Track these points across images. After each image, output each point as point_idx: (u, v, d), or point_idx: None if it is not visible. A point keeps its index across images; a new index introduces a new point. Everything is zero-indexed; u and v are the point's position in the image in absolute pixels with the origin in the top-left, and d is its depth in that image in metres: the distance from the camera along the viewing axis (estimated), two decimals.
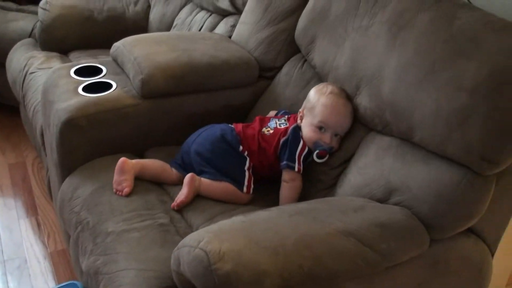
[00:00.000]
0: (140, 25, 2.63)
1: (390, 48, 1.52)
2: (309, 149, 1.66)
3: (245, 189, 1.64)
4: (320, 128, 1.64)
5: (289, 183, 1.63)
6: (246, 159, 1.67)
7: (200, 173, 1.64)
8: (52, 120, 1.78)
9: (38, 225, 2.30)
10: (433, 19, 1.46)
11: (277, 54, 1.94)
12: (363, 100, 1.60)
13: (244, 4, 2.17)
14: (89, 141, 1.75)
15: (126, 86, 1.83)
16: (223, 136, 1.69)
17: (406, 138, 1.49)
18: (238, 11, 2.23)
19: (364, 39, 1.62)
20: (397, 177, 1.45)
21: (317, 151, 1.64)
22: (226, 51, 1.95)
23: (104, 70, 1.92)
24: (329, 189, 1.65)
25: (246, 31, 2.02)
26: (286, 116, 1.76)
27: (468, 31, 1.39)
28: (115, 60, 1.98)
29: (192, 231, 1.43)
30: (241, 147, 1.68)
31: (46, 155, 2.06)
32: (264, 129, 1.72)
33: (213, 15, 2.36)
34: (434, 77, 1.39)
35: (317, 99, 1.65)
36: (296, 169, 1.63)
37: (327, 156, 1.65)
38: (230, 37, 2.16)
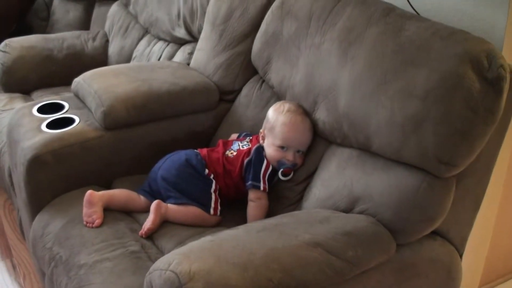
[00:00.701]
0: (99, 60, 2.67)
1: (342, 63, 1.58)
2: (273, 167, 1.69)
3: (212, 211, 1.66)
4: (282, 147, 1.68)
5: (255, 202, 1.67)
6: (212, 181, 1.70)
7: (166, 198, 1.67)
8: (18, 159, 1.78)
9: (13, 267, 2.28)
10: (382, 32, 1.52)
11: (235, 77, 1.99)
12: (321, 115, 1.65)
13: (199, 32, 2.22)
14: (56, 177, 1.76)
15: (88, 120, 1.86)
16: (187, 161, 1.72)
17: (364, 148, 1.53)
18: (194, 39, 2.28)
19: (317, 56, 1.67)
20: (359, 186, 1.50)
21: (281, 169, 1.67)
22: (185, 78, 1.99)
23: (66, 105, 1.94)
24: (295, 204, 1.69)
25: (204, 57, 2.07)
26: (248, 138, 1.80)
27: (417, 40, 1.45)
28: (76, 95, 2.00)
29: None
30: (206, 171, 1.71)
31: (15, 195, 2.06)
32: (227, 152, 1.76)
33: (170, 44, 2.41)
34: (386, 87, 1.45)
35: (276, 119, 1.70)
36: (262, 188, 1.66)
37: (292, 173, 1.69)
38: (188, 64, 2.20)
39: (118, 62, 2.60)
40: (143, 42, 2.55)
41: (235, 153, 1.74)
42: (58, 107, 1.95)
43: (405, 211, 1.41)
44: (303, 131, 1.68)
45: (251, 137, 1.80)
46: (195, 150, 1.78)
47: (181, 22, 2.30)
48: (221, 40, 2.02)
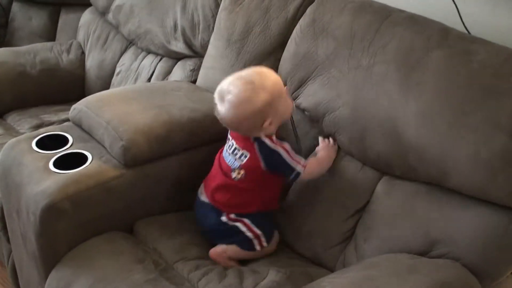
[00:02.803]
0: (76, 74, 2.40)
1: (404, 90, 1.45)
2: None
3: (258, 248, 1.56)
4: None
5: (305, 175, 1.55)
6: (236, 225, 1.59)
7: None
8: (25, 206, 1.54)
9: None
10: (448, 56, 1.41)
11: None
12: (376, 144, 1.51)
13: (203, 47, 2.03)
14: (73, 225, 1.53)
15: (103, 155, 1.63)
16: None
17: (436, 183, 1.42)
18: (196, 54, 2.08)
19: (366, 79, 1.53)
20: (438, 228, 1.38)
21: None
22: (203, 102, 1.79)
23: (70, 138, 1.70)
24: (345, 242, 1.56)
25: (219, 77, 1.86)
26: (231, 143, 1.59)
27: (491, 66, 1.35)
28: (78, 125, 1.76)
29: None
30: (223, 218, 1.59)
31: (7, 241, 1.80)
32: (233, 175, 1.56)
33: (164, 59, 2.19)
34: (466, 119, 1.34)
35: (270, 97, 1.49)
36: (300, 169, 1.53)
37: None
38: (194, 82, 2.01)
39: (98, 77, 2.35)
40: (128, 55, 2.31)
41: (242, 172, 1.56)
42: (59, 140, 1.71)
43: (493, 254, 1.32)
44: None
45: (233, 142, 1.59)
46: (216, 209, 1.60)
47: (178, 35, 2.09)
48: (239, 58, 1.84)
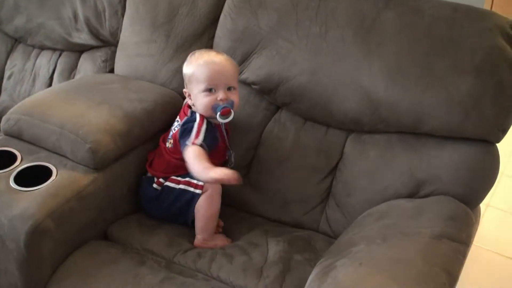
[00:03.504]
0: None
1: (365, 51, 1.55)
2: (209, 122, 1.54)
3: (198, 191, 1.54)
4: (209, 90, 1.52)
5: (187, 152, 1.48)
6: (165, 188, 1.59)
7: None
8: None
9: None
10: (399, 15, 1.54)
11: None
12: (341, 105, 1.59)
13: (112, 34, 1.92)
14: (57, 244, 1.41)
15: (65, 163, 1.50)
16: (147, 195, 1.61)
17: (408, 131, 1.55)
18: (105, 43, 1.96)
19: (322, 45, 1.60)
20: (421, 170, 1.52)
21: (218, 112, 1.50)
22: (145, 92, 1.72)
23: (16, 152, 1.53)
24: (323, 203, 1.65)
25: (149, 63, 1.81)
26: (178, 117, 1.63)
27: (442, 19, 1.50)
28: (16, 137, 1.58)
29: None
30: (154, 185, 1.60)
31: None
32: (167, 144, 1.60)
33: (64, 53, 2.02)
34: (432, 70, 1.48)
35: (193, 66, 1.55)
36: (191, 142, 1.48)
37: (232, 113, 1.52)
38: (110, 72, 1.91)
39: None
40: (18, 55, 2.08)
41: (172, 140, 1.59)
42: (3, 157, 1.53)
43: (473, 183, 1.50)
44: (225, 63, 1.56)
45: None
46: (148, 175, 1.62)
47: (81, 25, 1.95)
48: (169, 41, 1.79)
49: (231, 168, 1.47)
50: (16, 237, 1.34)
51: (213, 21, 1.78)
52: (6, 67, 2.10)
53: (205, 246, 1.54)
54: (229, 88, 1.54)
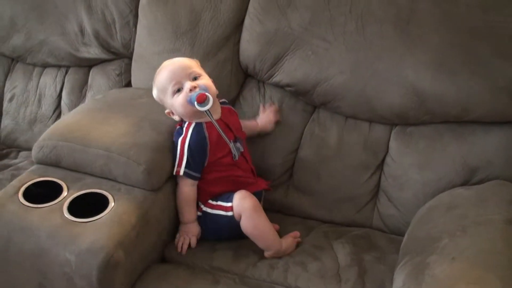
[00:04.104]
0: None
1: (408, 44, 1.54)
2: (198, 124, 1.50)
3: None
4: (178, 90, 1.48)
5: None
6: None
7: None
8: (61, 274, 1.28)
9: None
10: (435, 5, 1.53)
11: (228, 87, 1.72)
12: (386, 100, 1.58)
13: (125, 46, 1.84)
14: (126, 274, 1.34)
15: (118, 188, 1.41)
16: None
17: (454, 120, 1.56)
18: (117, 55, 1.87)
19: (360, 42, 1.58)
20: (474, 157, 1.53)
21: (194, 102, 1.43)
22: None
23: (60, 182, 1.43)
24: (372, 201, 1.64)
25: None
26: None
27: (476, 7, 1.50)
28: (54, 164, 1.48)
29: None
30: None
31: None
32: None
33: (71, 69, 1.91)
34: (475, 56, 1.50)
35: (155, 82, 1.52)
36: (174, 172, 1.49)
37: (209, 97, 1.44)
38: (127, 86, 1.83)
39: None
40: (16, 75, 1.95)
41: None
42: (44, 188, 1.42)
43: None
44: (178, 60, 1.54)
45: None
46: None
47: (89, 39, 1.85)
48: (195, 49, 1.72)
49: (234, 160, 1.51)
50: (87, 273, 1.26)
51: (238, 25, 1.72)
52: (6, 89, 1.96)
53: (280, 256, 1.48)
54: (195, 78, 1.49)
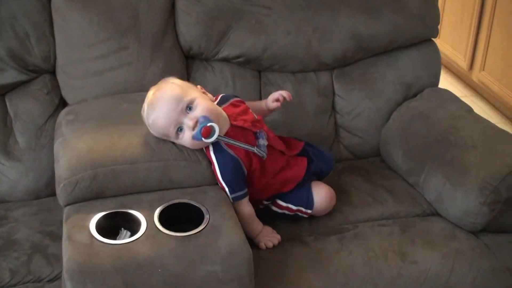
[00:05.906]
0: None
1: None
2: (216, 143, 1.40)
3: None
4: (179, 130, 1.38)
5: None
6: None
7: None
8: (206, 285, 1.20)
9: None
10: None
11: (181, 74, 1.69)
12: (330, 49, 1.79)
13: (46, 60, 1.65)
14: None
15: (192, 193, 1.35)
16: None
17: (382, 51, 1.87)
18: (37, 73, 1.64)
19: (300, 1, 1.76)
20: (406, 76, 1.87)
21: (201, 138, 1.35)
22: None
23: (137, 214, 1.27)
24: (336, 138, 1.86)
25: (129, 73, 1.64)
26: None
27: None
28: (96, 196, 1.30)
29: None
30: None
31: None
32: None
33: None
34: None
35: (151, 128, 1.40)
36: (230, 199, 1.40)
37: (214, 128, 1.35)
38: (62, 101, 1.64)
39: None
40: None
41: None
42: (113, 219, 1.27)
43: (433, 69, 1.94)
44: (164, 97, 1.37)
45: None
46: None
47: (2, 63, 1.57)
48: (141, 44, 1.63)
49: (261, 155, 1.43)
50: (236, 273, 1.21)
51: (171, 10, 1.70)
52: None
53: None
54: (189, 108, 1.37)
